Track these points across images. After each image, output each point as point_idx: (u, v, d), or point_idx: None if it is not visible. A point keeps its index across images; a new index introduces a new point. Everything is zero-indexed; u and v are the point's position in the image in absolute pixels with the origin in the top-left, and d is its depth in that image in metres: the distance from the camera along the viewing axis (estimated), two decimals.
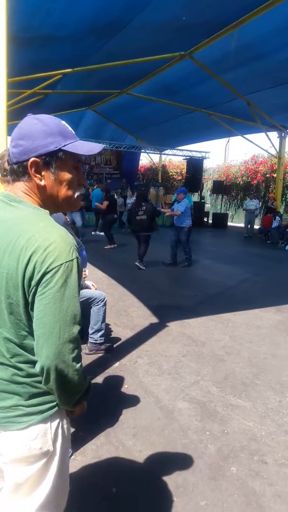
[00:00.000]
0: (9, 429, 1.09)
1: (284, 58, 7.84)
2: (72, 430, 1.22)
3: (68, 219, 3.82)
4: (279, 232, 12.48)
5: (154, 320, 4.84)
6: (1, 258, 1.02)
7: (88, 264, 4.43)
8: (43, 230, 1.00)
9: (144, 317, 4.93)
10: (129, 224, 8.08)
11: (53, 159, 1.08)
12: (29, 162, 1.06)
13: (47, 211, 1.12)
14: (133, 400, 2.99)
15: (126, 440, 2.52)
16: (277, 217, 12.84)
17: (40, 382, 1.08)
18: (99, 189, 12.98)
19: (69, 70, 8.29)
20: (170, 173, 22.75)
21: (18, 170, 1.09)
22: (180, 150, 18.56)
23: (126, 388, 3.17)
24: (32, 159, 1.06)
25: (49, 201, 1.13)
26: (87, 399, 1.20)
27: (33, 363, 1.07)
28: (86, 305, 3.55)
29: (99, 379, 3.29)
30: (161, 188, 18.19)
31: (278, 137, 14.18)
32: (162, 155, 21.06)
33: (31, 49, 7.08)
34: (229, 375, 3.47)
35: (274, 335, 4.49)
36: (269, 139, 13.73)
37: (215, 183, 17.60)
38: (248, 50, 7.69)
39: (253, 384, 3.33)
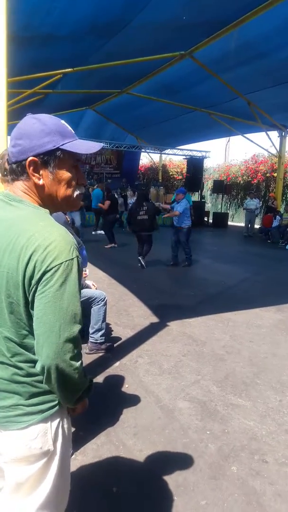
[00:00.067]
0: (9, 429, 1.09)
1: (285, 57, 7.83)
2: (73, 429, 1.22)
3: (69, 219, 3.82)
4: (279, 231, 12.47)
5: (155, 319, 4.84)
6: (1, 257, 1.02)
7: (88, 263, 4.44)
8: (43, 229, 1.01)
9: (144, 316, 4.93)
10: (129, 224, 8.09)
11: (51, 158, 1.08)
12: (27, 161, 1.07)
13: (47, 210, 1.12)
14: (133, 400, 2.99)
15: (127, 439, 2.52)
16: (277, 216, 12.83)
17: (40, 381, 1.08)
18: (99, 188, 12.99)
19: (69, 69, 8.28)
20: (171, 173, 22.74)
21: (17, 169, 1.10)
22: (180, 149, 18.55)
23: (127, 388, 3.17)
24: (30, 158, 1.06)
25: (48, 200, 1.14)
26: (89, 397, 1.20)
27: (33, 362, 1.07)
28: (86, 305, 3.55)
29: (99, 378, 3.29)
30: (162, 187, 18.19)
31: (278, 136, 14.17)
32: (162, 155, 21.05)
33: (31, 49, 7.08)
34: (230, 375, 3.47)
35: (275, 335, 4.49)
36: (270, 139, 13.74)
37: (216, 183, 17.60)
38: (248, 49, 7.68)
39: (254, 384, 3.33)
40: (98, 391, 3.06)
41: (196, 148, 18.40)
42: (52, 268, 0.97)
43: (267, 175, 17.05)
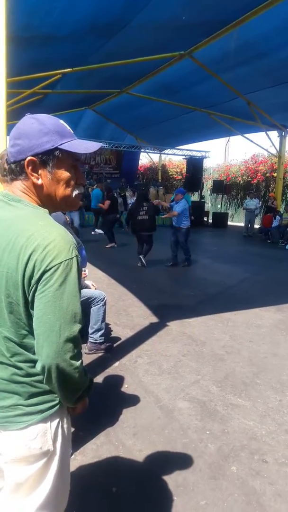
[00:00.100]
0: (8, 429, 1.09)
1: (285, 57, 7.82)
2: (72, 429, 1.22)
3: (68, 219, 3.82)
4: (279, 231, 12.47)
5: (154, 319, 4.84)
6: (1, 257, 1.02)
7: (88, 263, 4.44)
8: (42, 229, 1.01)
9: (144, 316, 4.93)
10: (128, 223, 8.11)
11: (50, 158, 1.08)
12: (26, 161, 1.07)
13: (46, 210, 1.12)
14: (133, 400, 2.99)
15: (126, 439, 2.52)
16: (277, 216, 12.84)
17: (39, 381, 1.08)
18: (98, 188, 12.99)
19: (68, 69, 8.28)
20: (170, 173, 22.75)
21: (15, 169, 1.10)
22: (180, 149, 18.55)
23: (126, 388, 3.17)
24: (28, 158, 1.07)
25: (47, 200, 1.14)
26: (89, 396, 1.20)
27: (33, 362, 1.07)
28: (86, 305, 3.55)
29: (99, 378, 3.29)
30: (161, 187, 18.19)
31: (278, 136, 14.18)
32: (162, 155, 21.06)
33: (30, 49, 7.07)
34: (229, 375, 3.47)
35: (274, 334, 4.49)
36: (269, 139, 13.74)
37: (215, 183, 17.60)
38: (248, 49, 7.67)
39: (253, 384, 3.33)
40: (98, 391, 3.05)
41: (195, 148, 18.42)
42: (52, 267, 0.97)
43: (267, 175, 17.05)
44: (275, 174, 15.48)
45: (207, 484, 2.15)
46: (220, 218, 16.75)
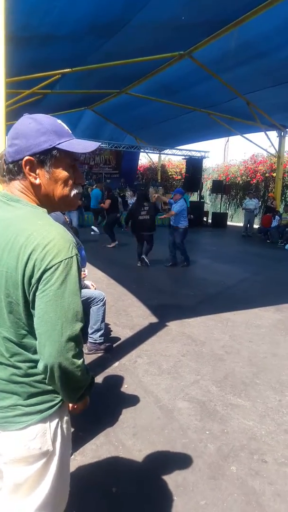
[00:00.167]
0: (8, 429, 1.08)
1: (284, 56, 7.81)
2: (72, 430, 1.22)
3: (67, 219, 3.82)
4: (278, 231, 12.48)
5: (154, 319, 4.84)
6: (0, 256, 1.02)
7: (87, 263, 4.44)
8: (41, 228, 1.01)
9: (143, 316, 4.93)
10: (127, 223, 8.13)
11: (47, 157, 1.08)
12: (23, 161, 1.07)
13: (45, 210, 1.12)
14: (132, 400, 2.99)
15: (126, 439, 2.52)
16: (276, 216, 12.84)
17: (38, 381, 1.08)
18: (98, 188, 12.99)
19: (68, 70, 8.29)
20: (170, 173, 22.75)
21: (13, 169, 1.10)
22: (180, 149, 18.55)
23: (126, 388, 3.17)
24: (26, 157, 1.07)
25: (45, 200, 1.14)
26: (90, 394, 1.20)
27: (32, 362, 1.07)
28: (85, 305, 3.55)
29: (98, 378, 3.29)
30: (161, 187, 18.18)
31: (277, 136, 14.18)
32: (161, 155, 21.06)
33: (29, 49, 7.07)
34: (229, 375, 3.47)
35: (274, 334, 4.49)
36: (269, 139, 13.74)
37: (215, 183, 17.59)
38: (248, 49, 7.68)
39: (253, 384, 3.33)
40: (97, 391, 3.05)
41: (195, 148, 18.42)
42: (52, 266, 0.97)
43: (266, 175, 17.06)
44: (274, 174, 15.49)
45: (207, 484, 2.15)
46: (220, 218, 16.75)
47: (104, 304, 3.70)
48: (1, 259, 1.01)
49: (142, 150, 18.86)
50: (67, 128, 1.14)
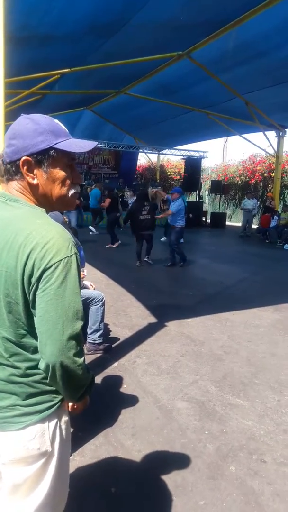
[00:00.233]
0: (7, 430, 1.08)
1: (284, 56, 7.80)
2: (71, 430, 1.22)
3: (67, 219, 3.81)
4: (277, 231, 12.49)
5: (153, 319, 4.84)
6: None
7: (86, 264, 4.43)
8: (40, 228, 1.01)
9: (142, 317, 4.93)
10: (125, 223, 8.14)
11: (45, 157, 1.08)
12: (21, 161, 1.07)
13: (43, 209, 1.12)
14: (132, 400, 2.99)
15: (125, 440, 2.52)
16: (275, 216, 12.86)
17: (37, 381, 1.08)
18: (97, 188, 12.98)
19: (67, 70, 8.28)
20: (168, 173, 22.76)
21: (11, 169, 1.10)
22: (178, 149, 18.56)
23: (125, 388, 3.17)
24: (23, 158, 1.07)
25: (43, 200, 1.14)
26: (91, 393, 1.20)
27: (31, 361, 1.07)
28: (84, 305, 3.54)
29: (97, 379, 3.29)
30: (159, 187, 18.16)
31: (276, 136, 14.18)
32: (160, 155, 21.06)
33: (28, 49, 7.06)
34: (228, 375, 3.48)
35: (273, 334, 4.49)
36: (267, 139, 13.74)
37: (213, 183, 17.60)
38: (247, 49, 7.67)
39: (252, 383, 3.33)
40: (97, 392, 3.05)
41: (193, 148, 18.42)
42: (52, 265, 0.97)
43: (265, 175, 17.07)
44: (273, 174, 15.50)
45: (206, 484, 2.16)
46: (218, 218, 16.76)
47: (103, 304, 3.70)
48: (0, 259, 1.01)
49: (141, 150, 18.86)
50: (64, 127, 1.14)
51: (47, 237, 0.99)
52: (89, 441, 2.48)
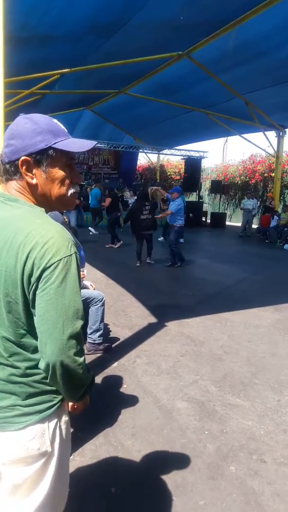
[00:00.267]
0: (6, 430, 1.08)
1: (284, 56, 7.80)
2: (71, 430, 1.22)
3: (67, 219, 3.81)
4: (277, 231, 12.49)
5: (153, 319, 4.84)
6: None
7: (86, 264, 4.43)
8: (40, 227, 1.01)
9: (142, 317, 4.92)
10: (125, 223, 8.15)
11: (43, 157, 1.08)
12: (20, 161, 1.07)
13: (43, 209, 1.12)
14: (131, 400, 2.99)
15: (125, 440, 2.52)
16: (275, 216, 12.86)
17: (37, 381, 1.08)
18: (97, 188, 12.98)
19: (66, 70, 8.28)
20: (168, 173, 22.75)
21: (10, 169, 1.10)
22: (178, 149, 18.56)
23: (125, 388, 3.17)
24: (22, 157, 1.07)
25: (42, 199, 1.14)
26: (91, 393, 1.20)
27: (31, 361, 1.07)
28: (84, 305, 3.53)
29: (97, 379, 3.28)
30: (159, 187, 18.16)
31: (276, 136, 14.19)
32: (160, 155, 21.06)
33: (28, 49, 7.06)
34: (228, 375, 3.47)
35: (273, 334, 4.49)
36: (267, 139, 13.74)
37: (213, 183, 17.60)
38: (247, 49, 7.66)
39: (252, 383, 3.33)
40: (96, 392, 3.05)
41: (193, 148, 18.43)
42: (52, 264, 0.97)
43: (265, 175, 17.07)
44: (273, 174, 15.50)
45: (206, 484, 2.15)
46: (218, 218, 16.76)
47: (103, 304, 3.70)
48: (0, 259, 1.01)
49: (141, 150, 18.86)
50: (63, 127, 1.14)
51: (47, 236, 0.99)
52: (89, 441, 2.48)
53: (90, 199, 13.25)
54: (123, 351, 3.87)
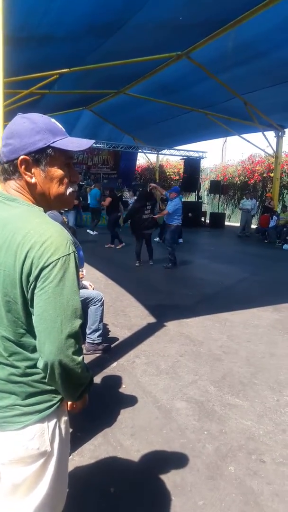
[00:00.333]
0: (6, 429, 1.08)
1: (284, 55, 7.80)
2: (70, 430, 1.22)
3: (66, 219, 3.81)
4: (276, 231, 12.51)
5: (152, 319, 4.84)
6: None
7: (85, 264, 4.43)
8: (38, 226, 1.01)
9: (141, 317, 4.93)
10: (124, 222, 8.13)
11: (42, 156, 1.08)
12: (18, 160, 1.07)
13: (41, 208, 1.13)
14: (131, 400, 2.99)
15: (124, 440, 2.52)
16: (274, 216, 12.87)
17: (37, 381, 1.08)
18: (96, 188, 12.97)
19: (66, 70, 8.27)
20: (168, 173, 22.76)
21: (9, 168, 1.10)
22: (177, 150, 18.56)
23: (124, 388, 3.17)
24: (21, 157, 1.07)
25: (41, 199, 1.14)
26: (89, 392, 1.20)
27: (30, 361, 1.07)
28: (83, 305, 3.54)
29: (97, 379, 3.28)
30: (158, 186, 18.16)
31: (275, 136, 14.20)
32: (159, 155, 21.06)
33: (27, 49, 7.05)
34: (227, 375, 3.48)
35: (272, 334, 4.49)
36: (266, 139, 13.75)
37: (212, 183, 17.61)
38: (246, 49, 7.66)
39: (251, 383, 3.33)
40: (96, 392, 3.05)
41: (193, 148, 18.43)
42: (50, 263, 0.97)
43: (264, 175, 17.08)
44: (272, 175, 15.51)
45: (205, 484, 2.15)
46: (218, 219, 16.77)
47: (102, 305, 3.70)
48: None
49: (140, 150, 18.85)
50: (61, 126, 1.14)
51: (45, 235, 0.99)
52: (88, 441, 2.48)
53: (89, 199, 13.23)
54: (122, 351, 3.87)
